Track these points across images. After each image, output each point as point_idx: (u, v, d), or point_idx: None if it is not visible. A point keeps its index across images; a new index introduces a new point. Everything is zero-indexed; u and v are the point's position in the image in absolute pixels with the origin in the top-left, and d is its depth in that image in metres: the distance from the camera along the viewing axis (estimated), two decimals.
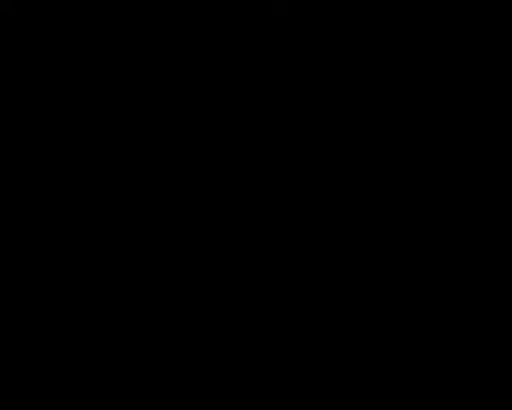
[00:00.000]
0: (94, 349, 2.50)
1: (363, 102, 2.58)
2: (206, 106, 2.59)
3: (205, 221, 2.56)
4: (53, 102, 2.59)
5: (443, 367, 2.46)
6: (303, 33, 2.58)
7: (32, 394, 2.47)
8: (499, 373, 2.43)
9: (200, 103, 2.60)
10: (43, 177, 2.57)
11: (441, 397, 2.44)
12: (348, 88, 2.58)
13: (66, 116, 2.59)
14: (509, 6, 2.54)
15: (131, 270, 2.53)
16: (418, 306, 2.49)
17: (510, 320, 2.46)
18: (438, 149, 2.56)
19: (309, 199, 2.56)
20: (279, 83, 2.59)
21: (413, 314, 2.49)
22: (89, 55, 2.60)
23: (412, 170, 2.55)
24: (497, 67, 2.56)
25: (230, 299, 2.53)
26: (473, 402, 2.41)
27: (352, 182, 2.56)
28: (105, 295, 2.52)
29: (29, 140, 2.58)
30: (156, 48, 2.60)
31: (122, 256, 2.53)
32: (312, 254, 2.53)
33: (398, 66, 2.58)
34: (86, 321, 2.51)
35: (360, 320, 2.50)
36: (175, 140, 2.57)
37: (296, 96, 2.58)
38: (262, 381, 2.48)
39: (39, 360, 2.49)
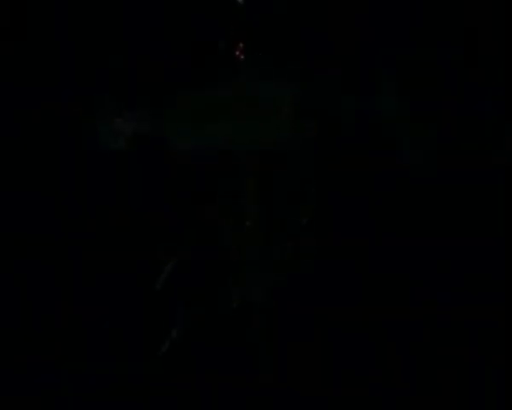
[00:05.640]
0: (93, 349, 2.51)
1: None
2: None
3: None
4: (50, 101, 2.59)
5: (443, 366, 2.47)
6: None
7: (32, 393, 2.47)
8: (499, 373, 2.44)
9: None
10: (39, 176, 2.57)
11: (440, 397, 2.45)
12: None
13: (63, 116, 2.59)
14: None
15: (130, 269, 2.54)
16: (418, 305, 2.50)
17: (510, 320, 2.47)
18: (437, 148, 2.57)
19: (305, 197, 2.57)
20: None
21: (413, 314, 2.50)
22: (85, 54, 2.60)
23: (411, 169, 2.56)
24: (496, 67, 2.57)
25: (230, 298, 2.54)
26: (472, 402, 2.42)
27: (350, 180, 2.56)
28: (104, 294, 2.53)
29: (25, 140, 2.58)
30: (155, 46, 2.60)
31: (121, 255, 2.54)
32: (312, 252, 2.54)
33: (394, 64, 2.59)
34: (85, 321, 2.52)
35: (360, 320, 2.51)
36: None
37: None
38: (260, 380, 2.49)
39: (39, 359, 2.49)
